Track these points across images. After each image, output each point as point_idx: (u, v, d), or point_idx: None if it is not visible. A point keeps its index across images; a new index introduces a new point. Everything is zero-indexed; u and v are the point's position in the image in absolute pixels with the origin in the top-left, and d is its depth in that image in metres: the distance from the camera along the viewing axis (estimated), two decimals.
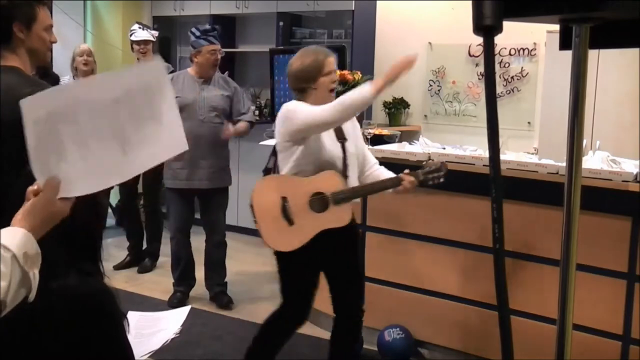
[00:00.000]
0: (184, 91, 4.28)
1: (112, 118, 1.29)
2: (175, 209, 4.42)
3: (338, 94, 3.52)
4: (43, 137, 1.30)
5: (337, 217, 2.81)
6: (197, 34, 4.30)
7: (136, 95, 1.29)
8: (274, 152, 3.05)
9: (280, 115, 2.86)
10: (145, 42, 5.01)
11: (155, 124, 1.30)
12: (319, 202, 2.80)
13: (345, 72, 4.01)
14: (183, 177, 4.30)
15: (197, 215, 4.64)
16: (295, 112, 2.78)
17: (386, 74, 2.69)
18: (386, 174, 2.99)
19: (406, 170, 2.89)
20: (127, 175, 1.33)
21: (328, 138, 2.85)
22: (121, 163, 1.30)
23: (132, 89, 1.30)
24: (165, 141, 1.31)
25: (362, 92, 2.69)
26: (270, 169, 3.09)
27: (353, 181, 2.89)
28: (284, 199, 2.78)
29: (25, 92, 2.23)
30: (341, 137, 2.91)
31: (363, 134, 3.32)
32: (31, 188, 1.30)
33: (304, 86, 2.85)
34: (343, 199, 2.80)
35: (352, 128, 2.99)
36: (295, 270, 2.94)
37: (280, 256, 2.93)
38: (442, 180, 2.90)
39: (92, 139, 1.29)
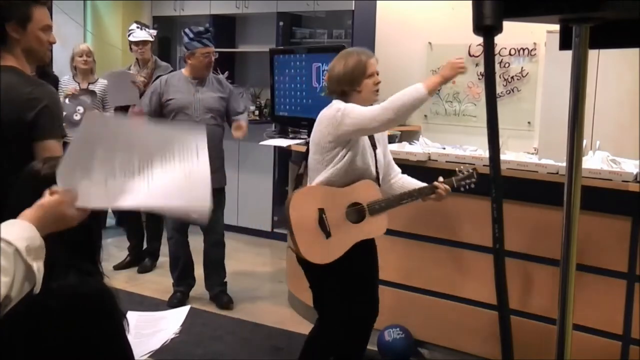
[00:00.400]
0: (179, 93, 4.27)
1: (144, 156, 1.42)
2: None
3: None
4: (79, 152, 1.39)
5: (374, 227, 2.79)
6: (191, 35, 4.29)
7: (173, 147, 1.44)
8: (304, 157, 2.99)
9: (326, 115, 2.75)
10: (143, 42, 5.01)
11: (180, 173, 1.43)
12: (356, 212, 2.76)
13: None
14: None
15: None
16: (347, 113, 2.68)
17: (442, 72, 2.69)
18: (413, 182, 2.98)
19: (440, 179, 2.89)
20: (141, 204, 1.43)
21: (366, 145, 2.81)
22: (140, 191, 1.40)
23: (171, 142, 1.45)
24: (187, 190, 1.42)
25: (414, 91, 2.61)
26: (302, 175, 3.04)
27: (382, 190, 2.89)
28: (321, 210, 2.72)
29: (24, 91, 2.23)
30: (373, 145, 2.87)
31: None
32: (49, 189, 1.36)
33: (346, 89, 2.77)
34: (378, 209, 2.78)
35: (381, 135, 2.95)
36: (332, 282, 2.84)
37: (313, 269, 2.81)
38: (473, 186, 2.93)
39: (120, 166, 1.40)
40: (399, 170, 3.06)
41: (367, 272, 2.94)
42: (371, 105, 2.76)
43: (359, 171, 2.76)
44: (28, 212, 1.30)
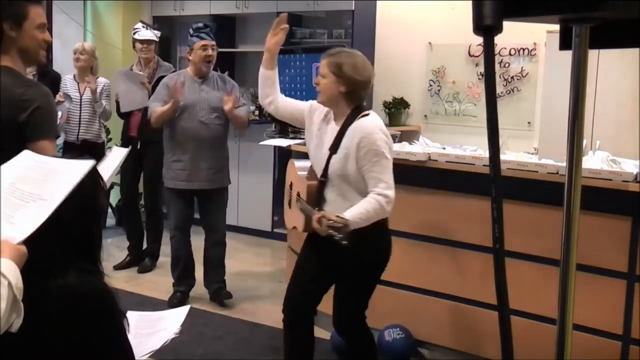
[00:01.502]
0: (185, 92, 4.28)
1: (19, 195, 1.43)
2: (174, 207, 4.42)
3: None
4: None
5: (297, 220, 2.92)
6: (191, 32, 4.34)
7: (25, 176, 1.47)
8: None
9: None
10: (148, 41, 5.02)
11: (51, 174, 1.47)
12: (301, 201, 2.88)
13: None
14: (183, 178, 4.30)
15: (197, 215, 4.64)
16: None
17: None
18: (356, 207, 2.63)
19: (319, 214, 2.59)
20: (50, 208, 1.40)
21: (321, 140, 2.80)
22: (42, 205, 1.41)
23: (20, 174, 1.47)
24: (67, 172, 1.46)
25: None
26: None
27: (331, 198, 2.74)
28: (292, 184, 3.07)
29: (17, 92, 2.23)
30: (333, 148, 2.74)
31: None
32: None
33: None
34: (300, 207, 2.86)
35: (351, 144, 2.67)
36: (298, 258, 3.04)
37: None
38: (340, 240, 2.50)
39: (10, 209, 1.41)
40: (374, 190, 2.65)
41: (346, 278, 2.86)
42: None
43: (312, 163, 2.92)
44: (9, 253, 1.31)
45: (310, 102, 2.95)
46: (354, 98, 2.75)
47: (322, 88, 2.76)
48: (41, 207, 1.41)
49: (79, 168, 1.48)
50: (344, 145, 2.71)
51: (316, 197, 2.77)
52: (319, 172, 2.79)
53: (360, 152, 2.65)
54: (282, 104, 2.98)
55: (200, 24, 4.40)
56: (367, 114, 2.77)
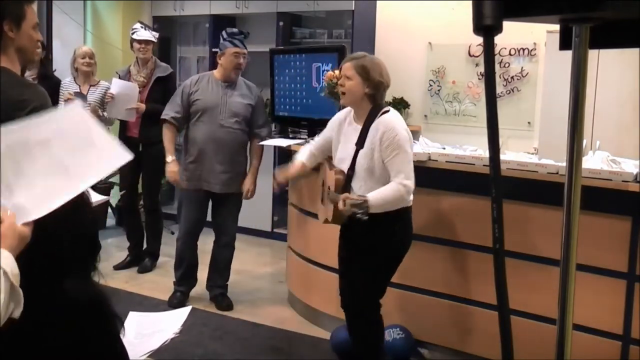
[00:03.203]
0: (207, 94, 4.26)
1: (49, 156, 1.34)
2: (187, 211, 4.39)
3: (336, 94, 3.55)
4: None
5: (328, 212, 3.07)
6: (224, 36, 4.30)
7: (65, 133, 1.38)
8: None
9: None
10: (146, 41, 5.02)
11: (90, 148, 1.39)
12: (330, 195, 3.05)
13: None
14: (199, 179, 4.29)
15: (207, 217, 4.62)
16: None
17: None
18: (378, 190, 2.89)
19: (344, 196, 2.85)
20: (75, 190, 1.34)
21: (346, 139, 3.05)
22: (67, 183, 1.34)
23: (61, 129, 1.38)
24: (105, 157, 1.40)
25: None
26: None
27: (356, 189, 2.97)
28: (323, 182, 3.22)
29: (14, 92, 2.23)
30: (359, 143, 2.98)
31: None
32: None
33: None
34: (330, 198, 3.02)
35: (375, 139, 2.93)
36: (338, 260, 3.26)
37: None
38: (364, 217, 2.79)
39: (34, 174, 1.32)
40: (395, 179, 2.89)
41: (354, 263, 3.10)
42: None
43: (335, 159, 3.12)
44: (7, 240, 1.29)
45: (333, 119, 3.22)
46: (375, 98, 3.00)
47: (347, 89, 2.99)
48: (65, 185, 1.32)
49: (119, 156, 1.40)
50: (369, 140, 2.96)
51: (343, 189, 2.98)
52: (345, 167, 3.00)
53: (382, 145, 2.91)
54: (319, 152, 3.28)
55: (235, 30, 4.38)
56: (388, 111, 3.03)
